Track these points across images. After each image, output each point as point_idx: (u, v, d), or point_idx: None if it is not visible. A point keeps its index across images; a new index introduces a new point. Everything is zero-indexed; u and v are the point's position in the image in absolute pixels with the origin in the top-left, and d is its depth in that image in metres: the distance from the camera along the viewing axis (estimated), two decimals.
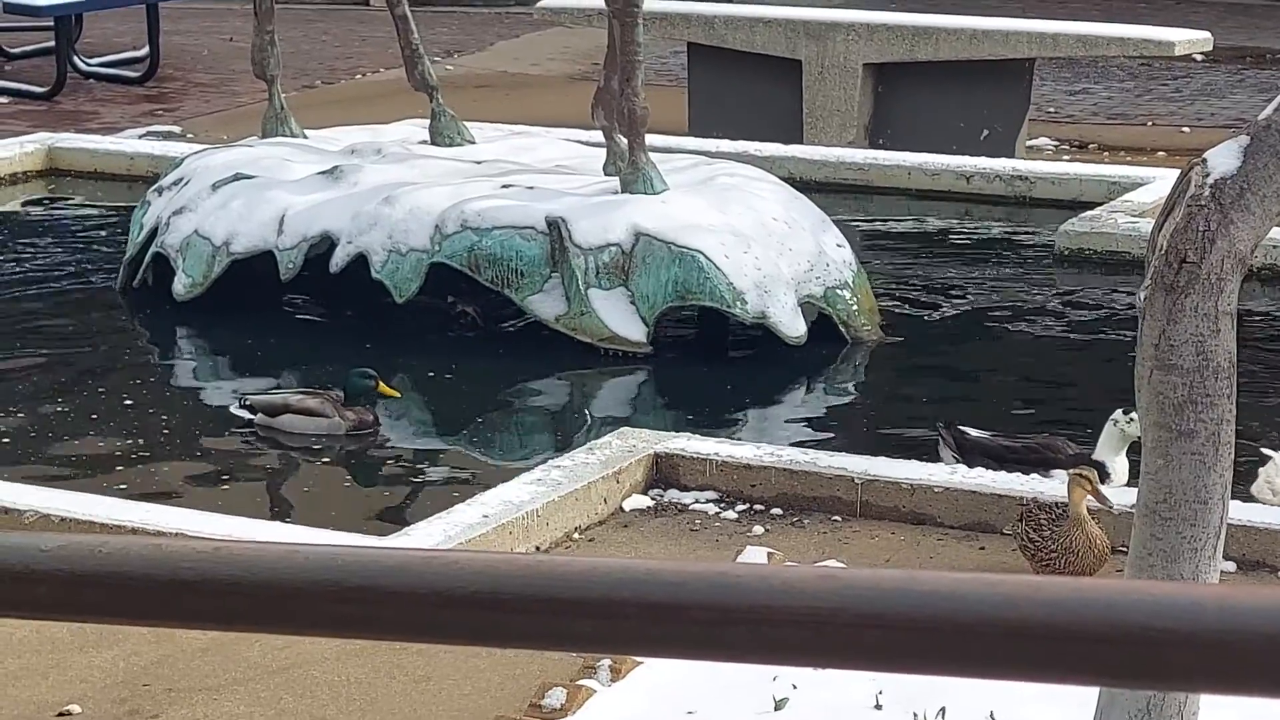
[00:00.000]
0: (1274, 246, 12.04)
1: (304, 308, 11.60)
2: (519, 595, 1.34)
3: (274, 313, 11.43)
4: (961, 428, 8.49)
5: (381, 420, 9.44)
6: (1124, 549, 4.77)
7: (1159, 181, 12.96)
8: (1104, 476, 7.67)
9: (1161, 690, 4.16)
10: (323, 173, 11.52)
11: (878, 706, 5.41)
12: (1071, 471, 6.73)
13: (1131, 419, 7.69)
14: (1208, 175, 4.47)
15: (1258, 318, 11.48)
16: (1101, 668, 1.32)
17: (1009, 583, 1.27)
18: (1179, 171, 4.60)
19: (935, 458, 8.30)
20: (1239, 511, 6.79)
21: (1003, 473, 7.68)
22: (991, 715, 5.28)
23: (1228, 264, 4.44)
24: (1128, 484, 7.62)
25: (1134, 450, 7.60)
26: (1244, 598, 1.29)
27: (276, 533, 7.03)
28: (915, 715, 5.28)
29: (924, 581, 1.26)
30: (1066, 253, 12.63)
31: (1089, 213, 13.02)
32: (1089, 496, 6.53)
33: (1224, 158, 4.50)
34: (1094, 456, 8.03)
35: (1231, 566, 6.81)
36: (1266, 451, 7.82)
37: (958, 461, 8.19)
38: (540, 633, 1.37)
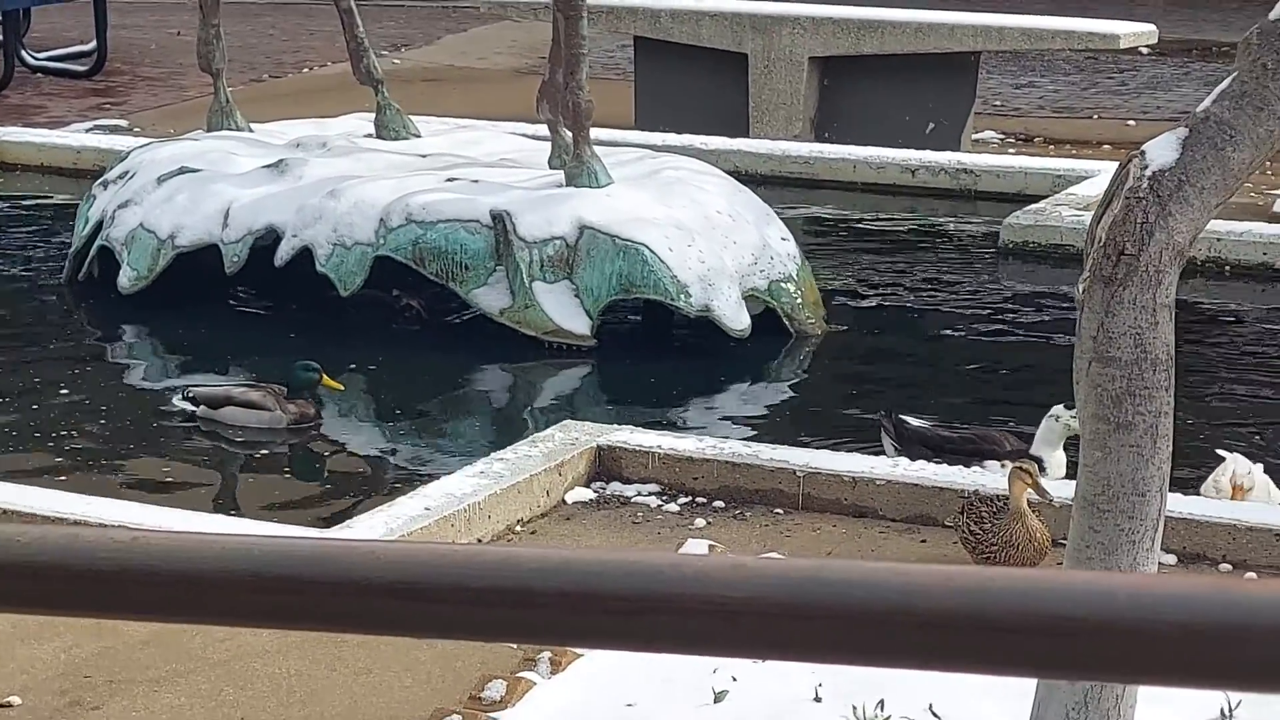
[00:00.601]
0: (1217, 239, 12.12)
1: (249, 301, 11.56)
2: (436, 585, 1.33)
3: (219, 306, 11.39)
4: (902, 417, 8.51)
5: (324, 413, 9.42)
6: (1065, 541, 4.78)
7: (1104, 175, 13.01)
8: (1040, 470, 7.71)
9: (1075, 680, 4.17)
10: (268, 166, 11.49)
11: (817, 699, 5.42)
12: (1013, 465, 6.75)
13: (1075, 415, 7.71)
14: (1146, 168, 4.48)
15: (1229, 317, 11.55)
16: (1015, 658, 1.32)
17: (920, 572, 1.27)
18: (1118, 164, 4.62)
19: (878, 450, 8.32)
20: (1178, 504, 6.82)
21: (944, 466, 7.70)
22: (930, 708, 5.30)
23: (1166, 256, 4.46)
24: (1065, 477, 7.65)
25: (1073, 445, 7.63)
26: (1156, 587, 1.29)
27: (195, 523, 7.00)
28: (854, 708, 5.29)
29: (834, 570, 1.26)
30: (1011, 245, 12.68)
31: (1034, 206, 13.07)
32: (1030, 489, 6.55)
33: (1162, 150, 4.52)
34: (1031, 450, 8.05)
35: (1171, 559, 6.84)
36: (1221, 452, 7.85)
37: (898, 450, 8.21)
38: (457, 622, 1.36)
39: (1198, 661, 1.25)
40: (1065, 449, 7.94)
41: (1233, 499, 7.43)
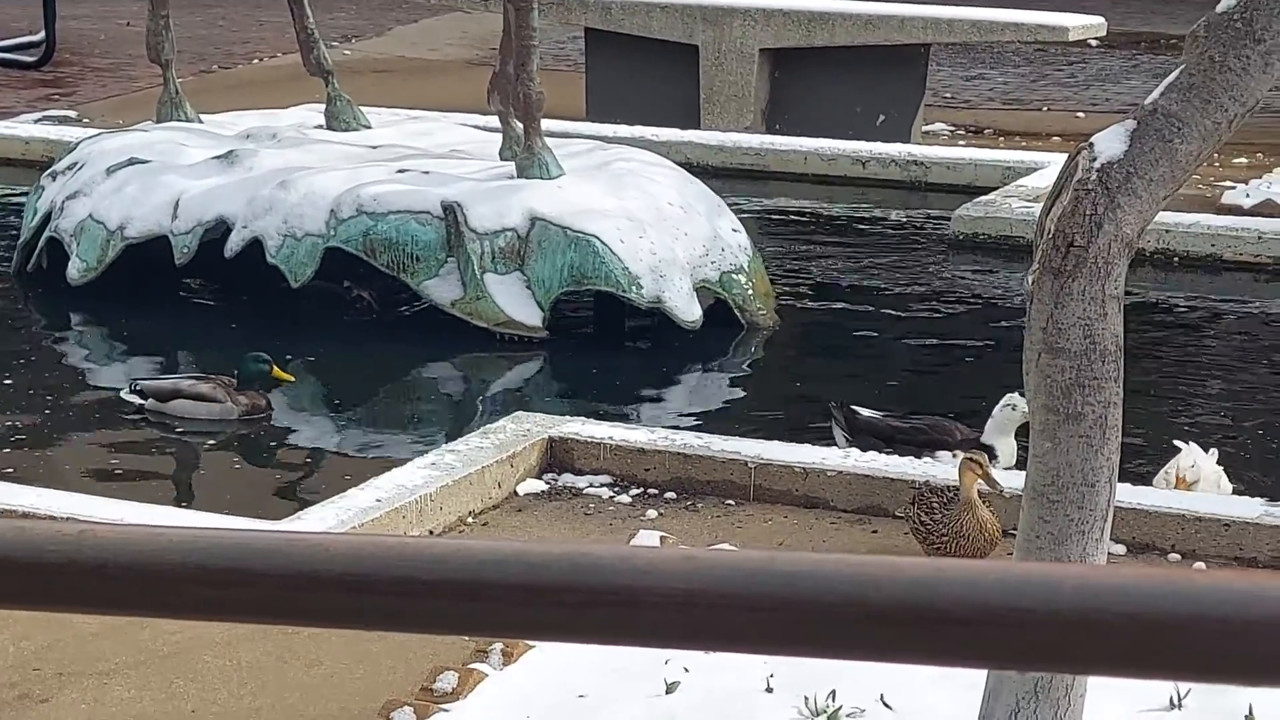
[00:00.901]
0: (1166, 231, 12.17)
1: (199, 292, 11.53)
2: (384, 577, 1.33)
3: (169, 297, 11.35)
4: (853, 407, 8.53)
5: (275, 405, 9.40)
6: (1015, 532, 4.80)
7: (1053, 167, 13.04)
8: (991, 458, 7.73)
9: (1025, 670, 4.19)
10: (218, 157, 11.45)
11: (768, 690, 5.43)
12: (963, 455, 6.77)
13: None
14: (1094, 159, 4.50)
15: (1178, 308, 11.60)
16: (965, 648, 1.33)
17: (870, 563, 1.27)
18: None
19: (829, 441, 8.34)
20: (1128, 494, 6.86)
21: (895, 457, 7.72)
22: (882, 699, 5.31)
23: (1114, 248, 4.47)
24: (1015, 467, 7.68)
25: (1023, 434, 7.64)
26: (1104, 578, 1.30)
27: (145, 515, 6.97)
28: (806, 699, 5.30)
29: (784, 562, 1.27)
30: (961, 237, 12.72)
31: (984, 197, 13.11)
32: (980, 480, 6.57)
33: (1110, 142, 4.53)
34: (983, 439, 8.08)
35: (1121, 549, 6.87)
36: (1178, 443, 7.88)
37: (849, 441, 8.23)
38: (408, 615, 1.36)
39: (1146, 652, 1.26)
40: (1016, 437, 7.97)
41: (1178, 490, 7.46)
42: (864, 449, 7.85)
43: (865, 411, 8.51)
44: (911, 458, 7.70)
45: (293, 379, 9.51)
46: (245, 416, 9.18)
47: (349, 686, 5.71)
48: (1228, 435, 9.05)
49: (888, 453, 7.84)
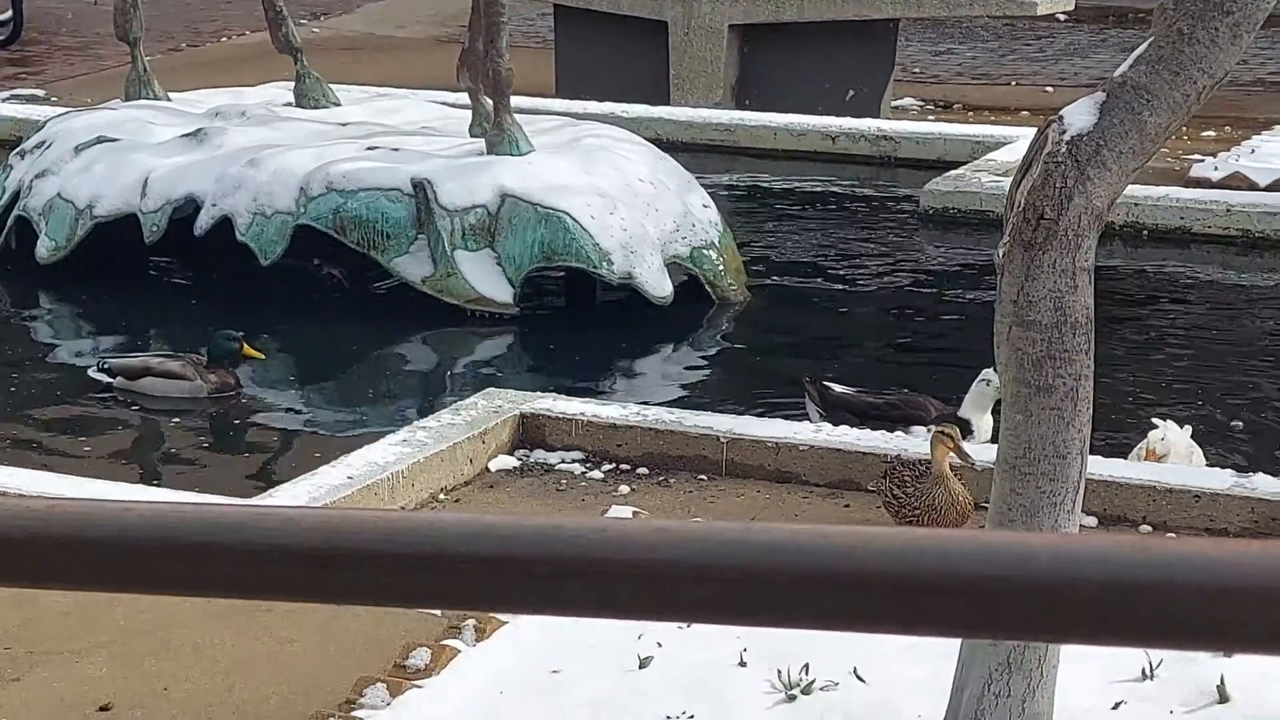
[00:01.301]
0: (1135, 204, 12.19)
1: (169, 271, 11.50)
2: (355, 551, 1.33)
3: (138, 276, 11.32)
4: (826, 383, 8.53)
5: (245, 383, 9.37)
6: (987, 505, 4.81)
7: (1022, 141, 13.06)
8: (967, 433, 7.74)
9: (998, 640, 4.20)
10: (186, 135, 11.42)
11: (741, 664, 5.43)
12: (934, 429, 6.77)
13: None
14: (1064, 132, 4.50)
15: (1148, 281, 11.61)
16: (938, 618, 1.32)
17: (843, 534, 1.27)
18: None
19: (801, 417, 8.34)
20: (1099, 466, 6.87)
21: (867, 431, 7.72)
22: (855, 671, 5.32)
23: (1085, 220, 4.48)
24: (992, 442, 7.68)
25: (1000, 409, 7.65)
26: (1077, 546, 1.30)
27: (114, 493, 6.94)
28: (779, 672, 5.30)
29: (759, 533, 1.26)
30: (931, 212, 12.73)
31: (953, 172, 13.13)
32: (951, 453, 6.57)
33: (1080, 115, 4.53)
34: (959, 414, 8.08)
35: (1092, 521, 6.89)
36: (1155, 420, 7.89)
37: (822, 416, 8.23)
38: (379, 589, 1.35)
39: (1120, 620, 1.25)
40: (993, 413, 7.97)
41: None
42: (837, 424, 7.85)
43: (838, 387, 8.51)
44: (884, 432, 7.70)
45: (263, 356, 9.49)
46: (215, 394, 9.16)
47: (322, 663, 5.70)
48: (1197, 407, 9.07)
49: (861, 429, 7.84)
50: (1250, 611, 1.21)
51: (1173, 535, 6.82)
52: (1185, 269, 11.93)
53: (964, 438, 7.10)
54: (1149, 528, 6.96)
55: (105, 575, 1.40)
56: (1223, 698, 5.16)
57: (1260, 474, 7.15)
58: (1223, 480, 7.07)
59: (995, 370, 7.42)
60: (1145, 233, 12.33)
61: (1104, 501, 6.99)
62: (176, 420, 8.98)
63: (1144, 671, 5.30)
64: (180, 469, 8.39)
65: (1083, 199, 4.46)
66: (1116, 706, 5.13)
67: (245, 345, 9.29)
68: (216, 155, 11.08)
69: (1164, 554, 1.23)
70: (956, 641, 4.83)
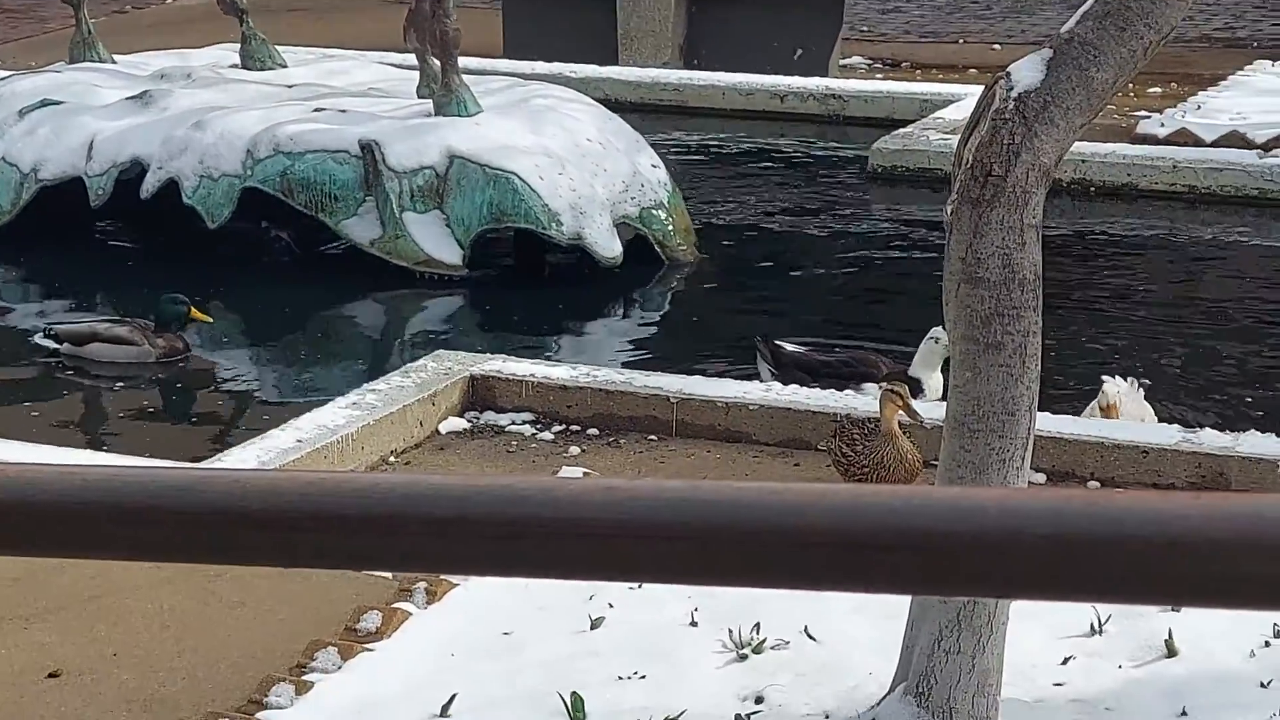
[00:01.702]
0: (1083, 161, 12.22)
1: (115, 234, 11.43)
2: (301, 513, 1.32)
3: (85, 240, 11.26)
4: (778, 342, 8.53)
5: (194, 347, 9.33)
6: (936, 462, 4.82)
7: (970, 99, 13.04)
8: (917, 391, 7.75)
9: (948, 595, 4.21)
10: (132, 98, 11.34)
11: (693, 624, 5.43)
12: (883, 387, 6.78)
13: None
14: (1011, 89, 4.50)
15: (1096, 237, 11.64)
16: (888, 575, 1.32)
17: (793, 491, 1.27)
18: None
19: (751, 376, 8.34)
20: (1047, 423, 6.89)
21: (816, 390, 7.72)
22: (806, 629, 5.33)
23: (1032, 177, 4.48)
24: (943, 399, 7.70)
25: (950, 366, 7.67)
26: (1026, 500, 1.30)
27: (61, 459, 6.90)
28: (730, 631, 5.31)
29: (707, 492, 1.26)
30: (880, 170, 12.74)
31: (901, 130, 13.13)
32: (900, 411, 6.58)
33: (1027, 71, 4.54)
34: (910, 372, 8.10)
35: (1041, 478, 6.91)
36: (1104, 377, 7.91)
37: (774, 375, 8.23)
38: (326, 551, 1.35)
39: (1068, 575, 1.26)
40: (943, 371, 7.98)
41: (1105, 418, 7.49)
42: (789, 383, 7.85)
43: (790, 346, 8.52)
44: (833, 391, 7.70)
45: (211, 320, 9.45)
46: (163, 359, 9.11)
47: (272, 628, 5.68)
48: (1144, 363, 9.11)
49: (813, 386, 7.84)
50: (1197, 565, 1.21)
51: (1120, 490, 6.85)
52: (1132, 225, 11.97)
53: (914, 396, 7.11)
54: (1097, 483, 6.99)
55: (50, 540, 1.39)
56: (1170, 651, 5.19)
57: (1207, 429, 7.19)
58: (1170, 436, 7.10)
59: (944, 328, 7.44)
60: (1092, 189, 12.36)
61: (1053, 458, 7.01)
62: (124, 385, 8.93)
63: (1092, 626, 5.32)
64: (128, 434, 8.34)
65: (1030, 156, 4.47)
66: (1065, 661, 5.16)
67: (193, 309, 9.25)
68: (162, 118, 11.01)
69: (1112, 508, 1.23)
70: (906, 599, 4.84)
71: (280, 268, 10.79)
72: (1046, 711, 4.86)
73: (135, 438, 8.23)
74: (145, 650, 5.57)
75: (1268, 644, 5.22)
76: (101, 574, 5.99)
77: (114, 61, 12.42)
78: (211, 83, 11.73)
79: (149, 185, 10.77)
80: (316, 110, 10.99)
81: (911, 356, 8.30)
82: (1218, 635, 5.26)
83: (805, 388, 7.75)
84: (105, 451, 7.75)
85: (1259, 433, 7.15)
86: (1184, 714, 4.84)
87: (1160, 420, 7.60)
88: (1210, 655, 5.18)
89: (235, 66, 12.40)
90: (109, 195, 10.90)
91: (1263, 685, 4.97)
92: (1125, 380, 7.76)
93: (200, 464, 6.95)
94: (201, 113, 10.91)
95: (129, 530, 1.35)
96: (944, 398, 7.62)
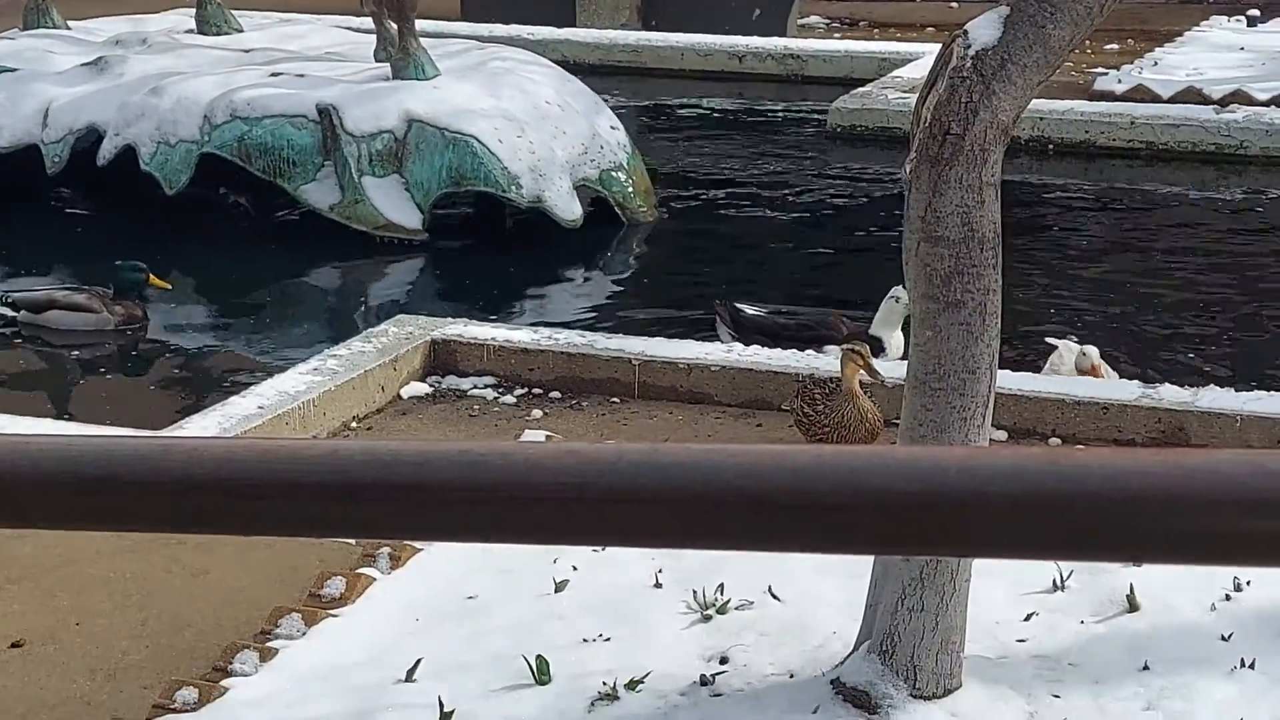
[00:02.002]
0: (1040, 119, 12.23)
1: (72, 202, 11.37)
2: (261, 481, 1.31)
3: (41, 207, 11.19)
4: (738, 305, 8.53)
5: (153, 314, 9.29)
6: (898, 421, 4.82)
7: (928, 57, 13.07)
8: (878, 350, 7.76)
9: (911, 555, 4.22)
10: (87, 64, 11.28)
11: (657, 585, 5.43)
12: (844, 347, 6.78)
13: None
14: (969, 47, 4.50)
15: (1054, 195, 11.65)
16: (851, 535, 1.32)
17: (754, 452, 1.26)
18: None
19: (713, 337, 8.34)
20: (1008, 380, 6.90)
21: (778, 351, 7.72)
22: (770, 589, 5.33)
23: (990, 135, 4.48)
24: (903, 358, 7.71)
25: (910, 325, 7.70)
26: (987, 459, 1.29)
27: (20, 427, 6.87)
28: (695, 593, 5.31)
29: (668, 454, 1.25)
30: (839, 129, 12.74)
31: (860, 90, 13.13)
32: (861, 371, 6.58)
33: (984, 29, 4.53)
34: (870, 331, 8.10)
35: (1002, 435, 6.93)
36: (1051, 340, 7.94)
37: (734, 338, 8.23)
38: (285, 518, 1.34)
39: (1030, 532, 1.26)
40: (904, 330, 7.99)
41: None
42: (749, 345, 7.85)
43: (750, 308, 8.51)
44: (795, 352, 7.71)
45: (169, 287, 9.41)
46: (121, 326, 9.07)
47: (236, 595, 5.67)
48: (1104, 319, 9.13)
49: (773, 349, 7.84)
50: (1158, 520, 1.21)
51: (1081, 447, 6.88)
52: (1090, 182, 11.99)
53: (876, 355, 7.12)
54: (1058, 440, 7.01)
55: (9, 511, 1.38)
56: (1132, 606, 5.21)
57: (1166, 385, 7.21)
58: (1130, 391, 7.12)
59: (905, 287, 7.45)
60: (1051, 147, 12.38)
61: (1013, 415, 7.03)
62: (83, 353, 8.90)
63: (1055, 583, 5.34)
64: (88, 402, 8.31)
65: (988, 113, 4.46)
66: (1028, 618, 5.17)
67: (151, 276, 9.21)
68: (118, 84, 10.95)
69: (1073, 465, 1.23)
70: (869, 559, 4.85)
71: (239, 234, 10.75)
72: (1010, 668, 4.88)
73: (95, 406, 8.19)
74: (108, 619, 5.56)
75: (1228, 597, 5.24)
76: (63, 542, 5.97)
77: (68, 28, 12.34)
78: (167, 48, 11.67)
79: (106, 152, 10.71)
80: (273, 75, 10.94)
81: (871, 316, 8.31)
82: (1179, 589, 5.28)
83: (766, 349, 7.75)
84: (64, 420, 7.72)
85: (1218, 387, 7.18)
86: (1146, 668, 4.86)
87: (1121, 376, 7.62)
88: (1171, 609, 5.20)
89: (191, 31, 12.33)
90: (66, 162, 10.85)
91: (1223, 638, 4.99)
92: (1073, 345, 7.79)
93: (161, 432, 6.92)
94: (158, 79, 10.86)
95: (89, 499, 1.34)
96: (904, 356, 7.66)
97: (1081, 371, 7.49)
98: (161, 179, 10.53)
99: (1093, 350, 7.63)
